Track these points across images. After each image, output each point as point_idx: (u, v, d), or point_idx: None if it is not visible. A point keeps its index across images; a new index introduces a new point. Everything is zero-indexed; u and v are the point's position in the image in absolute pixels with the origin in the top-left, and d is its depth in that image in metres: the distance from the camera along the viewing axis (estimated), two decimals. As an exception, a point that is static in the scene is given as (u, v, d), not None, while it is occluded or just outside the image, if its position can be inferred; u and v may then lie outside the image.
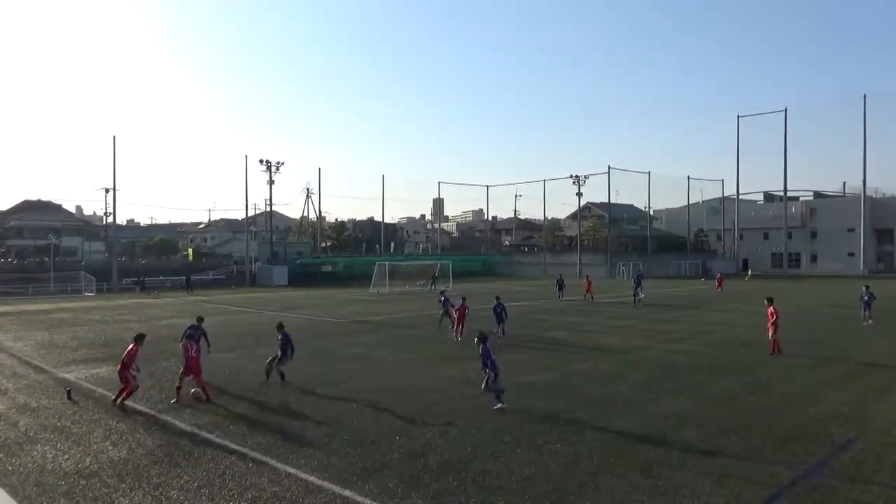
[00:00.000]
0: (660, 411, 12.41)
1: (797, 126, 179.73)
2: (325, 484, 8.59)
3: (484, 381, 12.88)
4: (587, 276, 44.58)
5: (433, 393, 14.24)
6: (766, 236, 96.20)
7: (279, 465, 9.38)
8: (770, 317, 18.97)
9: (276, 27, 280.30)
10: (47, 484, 8.74)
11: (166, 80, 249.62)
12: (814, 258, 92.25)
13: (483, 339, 13.04)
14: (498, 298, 24.52)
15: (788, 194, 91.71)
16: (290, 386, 14.99)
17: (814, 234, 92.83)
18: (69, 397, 13.98)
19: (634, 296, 37.55)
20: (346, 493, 8.28)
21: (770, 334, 18.97)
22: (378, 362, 18.45)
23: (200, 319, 17.19)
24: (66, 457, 9.94)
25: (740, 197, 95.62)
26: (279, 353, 15.37)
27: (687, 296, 45.90)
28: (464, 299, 23.59)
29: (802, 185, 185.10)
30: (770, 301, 19.31)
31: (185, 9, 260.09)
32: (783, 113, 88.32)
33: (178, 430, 11.46)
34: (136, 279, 57.42)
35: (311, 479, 8.81)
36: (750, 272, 76.29)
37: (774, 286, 56.67)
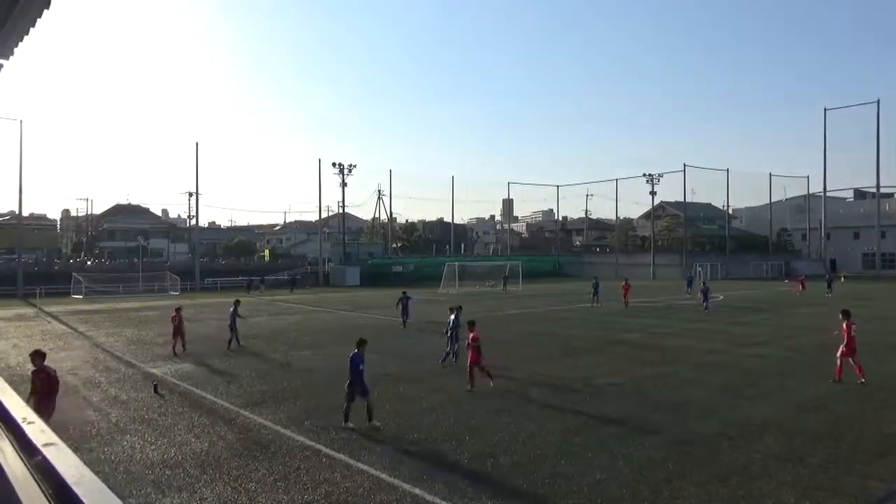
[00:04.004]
0: (740, 417, 11.92)
1: (891, 118, 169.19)
2: (396, 481, 8.69)
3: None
4: (625, 280, 39.61)
5: (502, 395, 14.17)
6: (856, 236, 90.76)
7: (351, 462, 9.56)
8: (844, 336, 15.10)
9: (346, 35, 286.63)
10: (135, 472, 9.25)
11: (245, 89, 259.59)
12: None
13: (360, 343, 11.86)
14: (458, 310, 18.39)
15: (882, 191, 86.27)
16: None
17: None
18: (156, 391, 14.72)
19: (705, 301, 33.60)
20: (417, 490, 8.35)
21: (838, 354, 15.23)
22: (448, 362, 18.50)
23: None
24: (153, 447, 10.47)
25: (828, 194, 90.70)
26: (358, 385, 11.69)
27: (768, 298, 43.91)
28: (472, 325, 15.07)
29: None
30: (846, 315, 15.31)
31: (259, 21, 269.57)
32: (875, 104, 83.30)
33: (257, 425, 11.86)
34: (249, 279, 60.35)
35: (383, 475, 8.93)
36: (843, 276, 70.30)
37: (869, 289, 53.45)
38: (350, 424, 11.39)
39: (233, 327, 21.85)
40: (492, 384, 14.39)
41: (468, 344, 14.57)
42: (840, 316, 15.54)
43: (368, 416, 11.42)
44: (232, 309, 22.27)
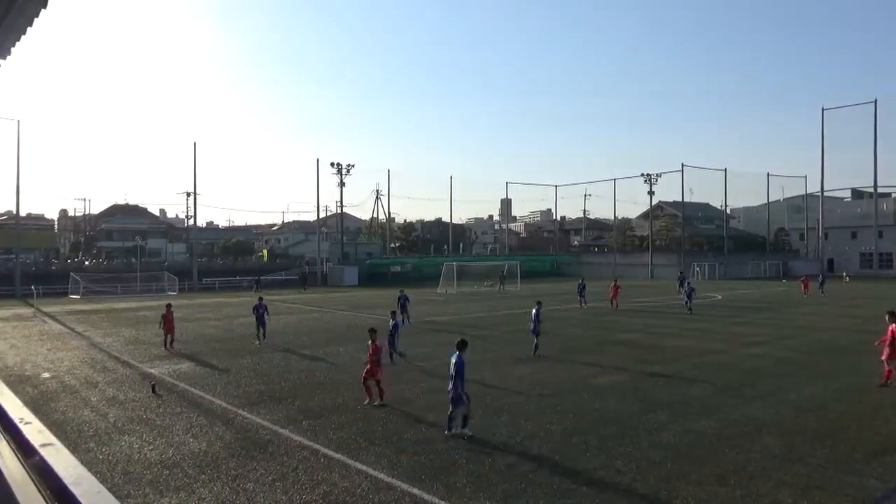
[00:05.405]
0: (739, 417, 11.93)
1: (888, 118, 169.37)
2: (394, 481, 8.68)
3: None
4: (615, 281, 38.38)
5: (501, 395, 14.18)
6: (854, 235, 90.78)
7: (350, 462, 9.55)
8: (889, 337, 14.62)
9: (346, 35, 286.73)
10: (133, 473, 9.22)
11: (244, 88, 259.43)
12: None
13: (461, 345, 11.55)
14: (539, 305, 20.16)
15: (879, 190, 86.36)
16: (359, 384, 15.24)
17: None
18: (154, 391, 14.69)
19: (688, 301, 33.28)
20: (415, 491, 8.34)
21: (884, 357, 14.76)
22: (447, 362, 18.49)
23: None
24: (151, 447, 10.45)
25: (825, 194, 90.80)
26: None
27: (766, 298, 43.96)
28: (373, 334, 13.59)
29: (894, 181, 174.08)
30: (893, 317, 14.67)
31: (259, 21, 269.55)
32: (872, 104, 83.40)
33: (255, 425, 11.84)
34: (251, 279, 60.41)
35: (381, 476, 8.92)
36: (846, 275, 70.10)
37: (868, 289, 53.51)
38: (454, 432, 10.77)
39: (262, 323, 22.73)
40: (380, 401, 13.09)
41: (369, 356, 13.20)
42: (887, 318, 14.88)
43: (448, 424, 10.87)
44: (257, 304, 23.08)
